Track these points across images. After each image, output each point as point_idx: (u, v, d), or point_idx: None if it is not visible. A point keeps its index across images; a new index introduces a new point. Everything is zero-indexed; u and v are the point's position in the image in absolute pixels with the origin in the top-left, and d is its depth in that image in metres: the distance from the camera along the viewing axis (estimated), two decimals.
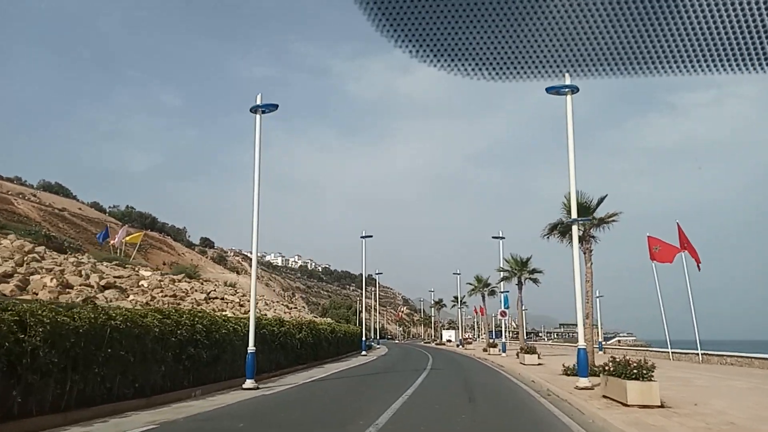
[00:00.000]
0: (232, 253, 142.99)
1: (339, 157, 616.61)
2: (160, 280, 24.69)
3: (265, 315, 25.93)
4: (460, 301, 56.67)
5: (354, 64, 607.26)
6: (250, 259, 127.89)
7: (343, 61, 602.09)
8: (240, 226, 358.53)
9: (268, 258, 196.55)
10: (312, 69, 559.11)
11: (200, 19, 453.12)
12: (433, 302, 75.56)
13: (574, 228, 13.67)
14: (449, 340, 65.83)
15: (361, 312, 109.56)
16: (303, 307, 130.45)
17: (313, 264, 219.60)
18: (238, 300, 35.14)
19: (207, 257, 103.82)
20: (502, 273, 32.91)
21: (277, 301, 51.56)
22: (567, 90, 12.79)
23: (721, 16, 2.26)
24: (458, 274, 55.80)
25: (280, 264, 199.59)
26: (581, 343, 13.28)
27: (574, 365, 17.56)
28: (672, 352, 28.27)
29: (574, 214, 13.52)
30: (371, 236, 35.79)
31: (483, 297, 44.89)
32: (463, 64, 2.52)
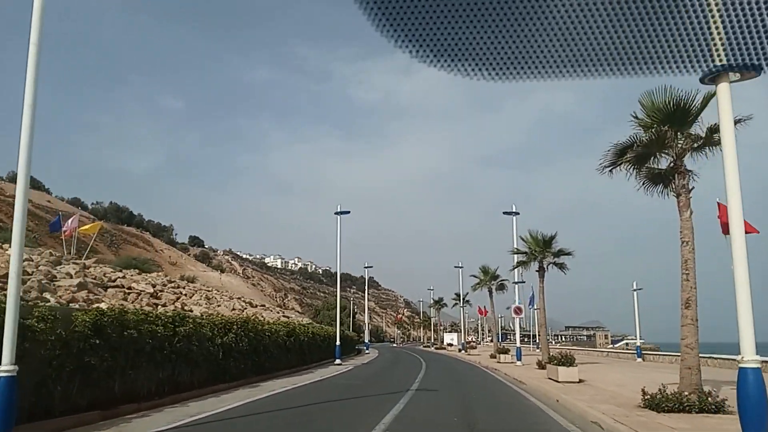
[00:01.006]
0: (221, 252, 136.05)
1: (341, 160, 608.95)
2: (35, 263, 17.33)
3: (183, 310, 18.27)
4: (463, 299, 48.90)
5: (355, 67, 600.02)
6: (240, 258, 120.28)
7: (345, 64, 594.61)
8: (237, 227, 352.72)
9: (267, 260, 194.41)
10: (313, 72, 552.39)
11: (201, 22, 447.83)
12: (432, 301, 67.71)
13: (723, 91, 5.91)
14: (450, 344, 57.95)
15: (356, 313, 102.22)
16: (293, 308, 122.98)
17: (314, 266, 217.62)
18: (183, 294, 27.50)
19: (189, 254, 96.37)
20: (516, 256, 25.16)
21: (239, 297, 43.84)
22: None
23: (721, 16, 2.41)
24: (460, 267, 48.10)
25: (279, 266, 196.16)
26: (751, 356, 5.59)
27: (662, 390, 9.87)
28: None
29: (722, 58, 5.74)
30: (348, 212, 28.18)
31: (490, 292, 37.13)
32: (463, 65, 2.54)
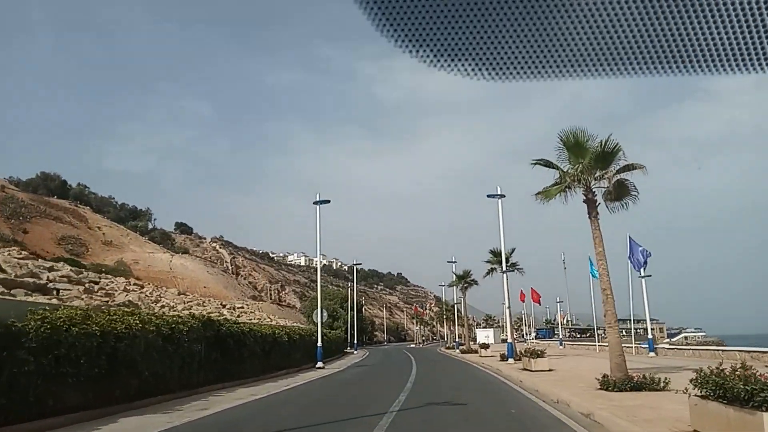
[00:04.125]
0: (209, 239, 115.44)
1: (368, 159, 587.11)
2: None
3: None
4: (508, 258, 25.22)
5: (379, 65, 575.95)
6: (231, 246, 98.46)
7: (369, 63, 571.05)
8: (263, 227, 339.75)
9: (290, 258, 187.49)
10: (338, 72, 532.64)
11: (224, 28, 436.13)
12: (454, 277, 43.49)
13: None
14: (486, 345, 33.90)
15: (362, 306, 79.30)
16: (288, 301, 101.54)
17: (339, 263, 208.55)
18: None
19: (140, 234, 74.98)
20: None
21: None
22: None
23: (721, 16, 2.26)
24: (499, 195, 24.43)
25: (303, 263, 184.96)
26: None
27: None
28: None
29: None
30: None
31: (591, 204, 13.13)
32: (463, 64, 2.53)
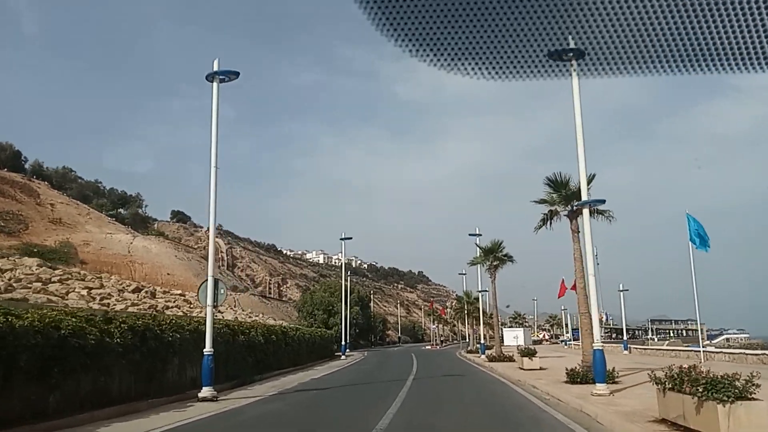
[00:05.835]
0: (205, 229, 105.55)
1: (391, 159, 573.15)
2: None
3: None
4: (589, 183, 12.88)
5: (401, 65, 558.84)
6: (231, 235, 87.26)
7: (390, 62, 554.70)
8: (284, 227, 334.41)
9: (309, 255, 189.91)
10: (359, 72, 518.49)
11: (245, 28, 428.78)
12: (478, 254, 30.16)
13: None
14: (531, 352, 21.05)
15: (369, 302, 67.47)
16: (288, 295, 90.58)
17: (358, 261, 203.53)
18: None
19: (106, 215, 64.00)
20: None
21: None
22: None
23: (720, 15, 2.46)
24: (575, 53, 12.13)
25: (321, 261, 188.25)
26: None
27: None
28: None
29: None
30: None
31: None
32: (463, 64, 2.66)
